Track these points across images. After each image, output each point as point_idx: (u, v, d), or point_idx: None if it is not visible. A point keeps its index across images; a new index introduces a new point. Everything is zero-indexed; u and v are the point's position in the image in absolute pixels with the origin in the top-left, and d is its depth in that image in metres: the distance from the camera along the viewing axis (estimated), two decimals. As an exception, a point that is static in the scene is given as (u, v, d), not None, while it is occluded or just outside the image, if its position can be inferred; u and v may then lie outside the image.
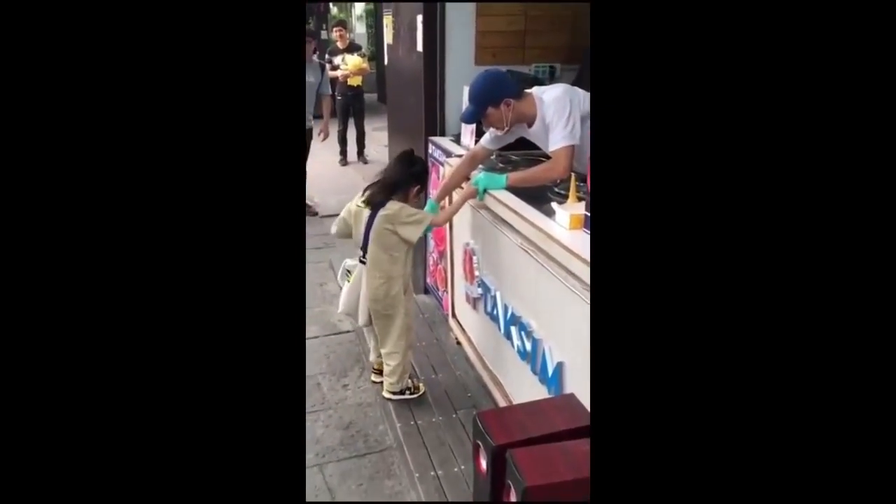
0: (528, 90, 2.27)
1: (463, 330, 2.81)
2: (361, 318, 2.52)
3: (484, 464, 1.54)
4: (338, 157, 6.71)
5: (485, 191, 2.25)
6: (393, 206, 2.28)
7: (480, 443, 1.56)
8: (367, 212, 2.33)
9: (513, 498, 1.43)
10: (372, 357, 2.69)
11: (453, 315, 2.92)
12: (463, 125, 2.86)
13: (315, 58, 4.80)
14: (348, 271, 2.54)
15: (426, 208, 2.47)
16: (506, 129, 2.25)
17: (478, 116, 2.26)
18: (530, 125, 2.25)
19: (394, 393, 2.57)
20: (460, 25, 2.98)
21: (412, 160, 2.39)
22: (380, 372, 2.64)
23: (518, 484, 1.39)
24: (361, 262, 2.42)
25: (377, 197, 2.31)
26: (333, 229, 2.51)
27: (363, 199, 2.35)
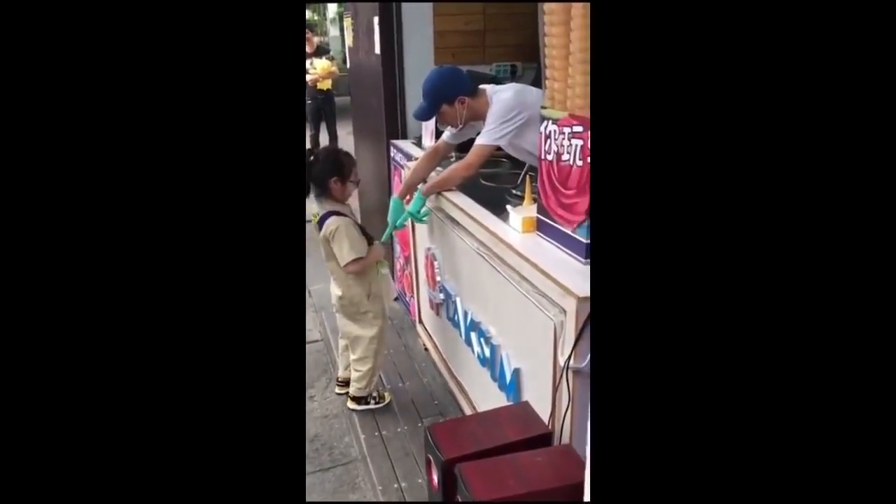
0: (482, 86, 2.23)
1: (430, 336, 2.76)
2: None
3: (435, 478, 1.50)
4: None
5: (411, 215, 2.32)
6: (331, 226, 2.24)
7: (431, 457, 1.51)
8: (314, 224, 2.32)
9: (463, 513, 1.39)
10: (340, 372, 2.66)
11: (420, 321, 2.87)
12: (423, 126, 2.82)
13: None
14: None
15: (390, 206, 2.44)
16: (460, 126, 2.22)
17: (432, 113, 2.22)
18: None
19: (358, 401, 2.51)
20: (418, 26, 2.94)
21: (327, 153, 2.33)
22: (345, 383, 2.59)
23: (467, 499, 1.34)
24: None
25: (321, 209, 2.29)
26: None
27: (315, 212, 2.33)
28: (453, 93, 2.15)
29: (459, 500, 1.39)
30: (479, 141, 2.12)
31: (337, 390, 2.66)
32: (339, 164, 2.26)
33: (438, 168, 2.42)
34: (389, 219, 2.46)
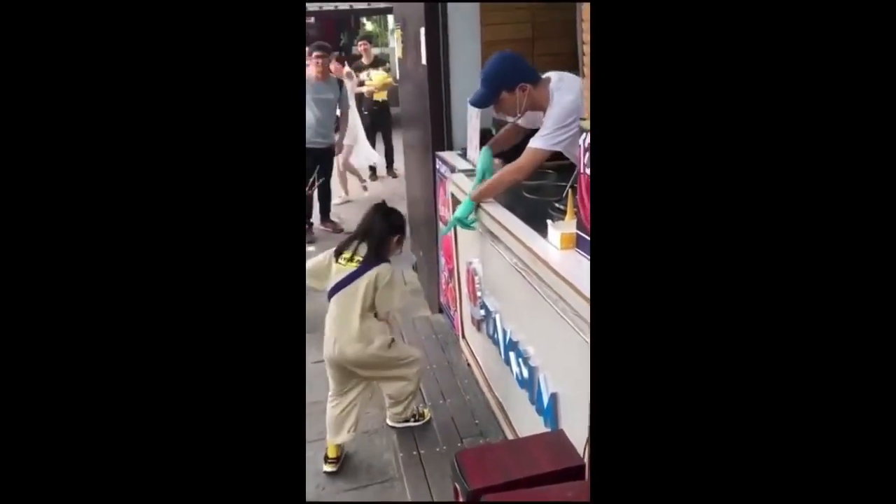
0: (545, 75, 2.09)
1: (472, 352, 2.69)
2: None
3: (463, 509, 1.43)
4: (367, 173, 6.69)
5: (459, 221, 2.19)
6: (384, 273, 2.18)
7: (458, 485, 1.44)
8: (348, 269, 2.21)
9: (489, 549, 1.31)
10: (329, 437, 2.35)
11: (463, 336, 2.81)
12: (469, 139, 2.76)
13: (332, 76, 4.78)
14: None
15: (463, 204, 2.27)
16: (518, 115, 2.08)
17: (490, 100, 2.07)
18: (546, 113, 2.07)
19: (398, 421, 2.46)
20: (465, 36, 2.89)
21: (388, 211, 2.29)
22: (329, 460, 2.35)
23: (492, 535, 1.27)
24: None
25: (370, 257, 2.20)
26: None
27: (348, 256, 2.22)
28: (515, 79, 2.00)
29: (485, 534, 1.31)
30: (533, 144, 1.98)
31: (326, 468, 2.32)
32: (401, 223, 2.30)
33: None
34: (454, 218, 2.30)
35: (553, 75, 2.06)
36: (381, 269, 2.18)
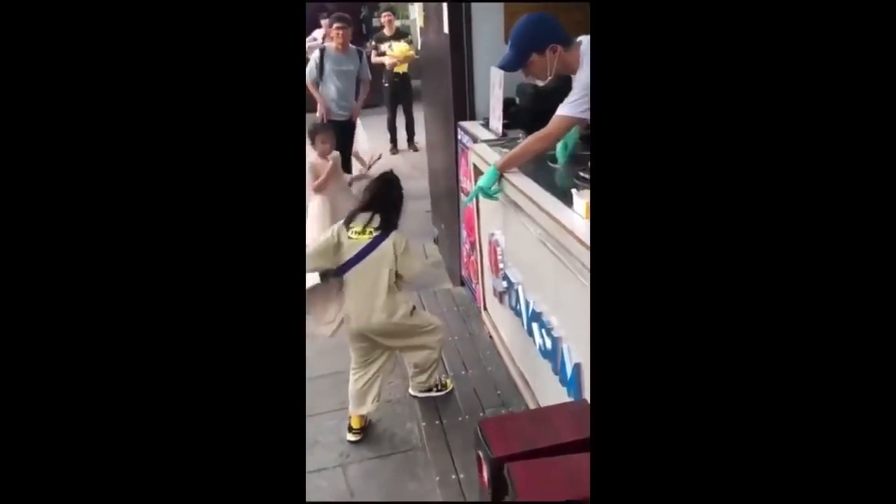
0: (578, 38, 2.00)
1: (494, 325, 2.69)
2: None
3: (485, 476, 1.43)
4: (388, 146, 6.67)
5: (481, 191, 2.14)
6: (399, 240, 2.19)
7: (481, 453, 1.45)
8: (361, 241, 2.19)
9: (512, 516, 1.32)
10: (351, 408, 2.38)
11: (485, 308, 2.80)
12: (491, 109, 2.72)
13: (353, 46, 4.72)
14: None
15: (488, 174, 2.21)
16: (549, 78, 2.00)
17: (520, 63, 2.00)
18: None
19: (421, 391, 2.48)
20: (488, 5, 2.83)
21: (394, 180, 2.30)
22: (353, 430, 2.39)
23: (514, 501, 1.27)
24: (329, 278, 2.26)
25: (384, 227, 2.20)
26: (308, 261, 2.22)
27: (359, 229, 2.20)
28: (545, 40, 1.93)
29: (507, 500, 1.32)
30: (560, 111, 1.93)
31: (350, 437, 2.37)
32: (400, 196, 2.29)
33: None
34: (477, 186, 2.24)
35: (585, 39, 1.98)
36: (396, 238, 2.19)
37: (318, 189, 3.36)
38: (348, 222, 2.23)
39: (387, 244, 2.17)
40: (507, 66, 2.07)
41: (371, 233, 2.19)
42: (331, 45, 4.52)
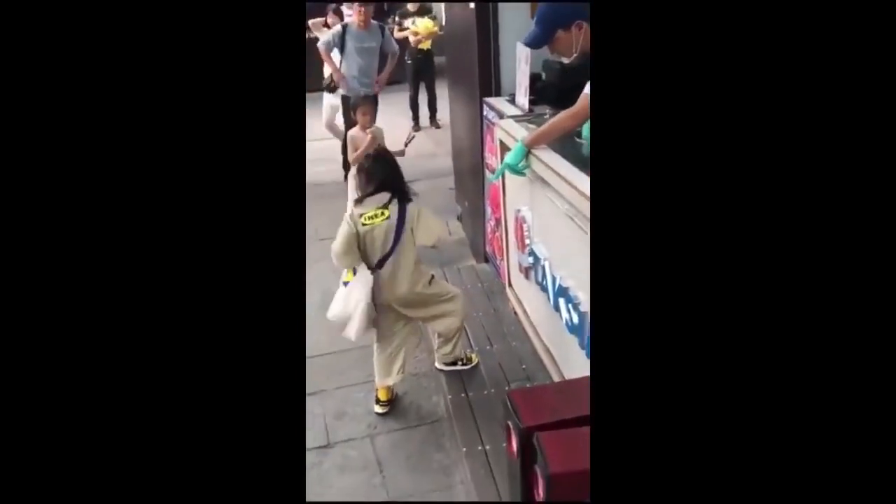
0: None
1: (518, 300, 2.71)
2: (355, 332, 2.33)
3: (514, 445, 1.47)
4: (410, 123, 6.66)
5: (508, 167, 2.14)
6: (414, 209, 2.22)
7: (510, 423, 1.48)
8: (376, 224, 2.18)
9: (540, 483, 1.35)
10: (378, 380, 2.43)
11: (510, 285, 2.82)
12: (518, 84, 2.71)
13: (375, 22, 4.71)
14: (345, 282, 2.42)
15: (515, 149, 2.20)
16: (574, 55, 1.99)
17: (545, 39, 1.99)
18: None
19: (447, 364, 2.51)
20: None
21: (387, 152, 2.33)
22: (380, 402, 2.45)
23: (544, 470, 1.30)
24: (378, 267, 2.25)
25: (401, 201, 2.21)
26: (337, 260, 2.27)
27: (372, 213, 2.19)
28: (571, 15, 1.91)
29: (537, 470, 1.35)
30: (588, 90, 1.92)
31: (378, 409, 2.44)
32: (396, 164, 2.29)
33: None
34: (505, 162, 2.23)
35: None
36: (411, 210, 2.21)
37: (357, 161, 3.39)
38: (360, 210, 2.20)
39: (408, 218, 2.20)
40: (533, 43, 2.06)
41: (383, 214, 2.17)
42: (352, 22, 4.52)
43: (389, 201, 2.20)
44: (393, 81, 7.74)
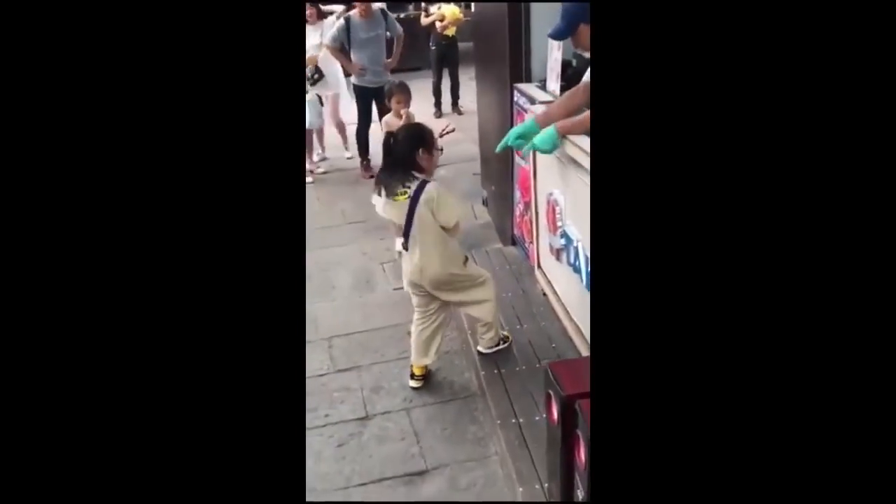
0: None
1: (548, 281, 2.79)
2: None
3: (555, 412, 1.56)
4: (432, 109, 6.72)
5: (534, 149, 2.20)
6: (432, 193, 2.22)
7: (552, 392, 1.57)
8: (403, 202, 2.24)
9: (582, 447, 1.44)
10: (414, 358, 2.53)
11: (539, 266, 2.90)
12: (549, 70, 2.77)
13: (376, 8, 4.77)
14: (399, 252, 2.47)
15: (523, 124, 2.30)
16: None
17: (569, 32, 2.12)
18: None
19: (490, 346, 2.56)
20: (545, -32, 2.86)
21: (399, 133, 2.30)
22: (415, 377, 2.55)
23: (586, 433, 1.39)
24: (404, 248, 2.34)
25: (397, 186, 2.24)
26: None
27: (398, 192, 2.25)
28: None
29: (579, 434, 1.44)
30: None
31: (412, 384, 2.54)
32: (421, 136, 2.27)
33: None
34: (512, 132, 2.32)
35: None
36: (429, 192, 2.22)
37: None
38: (390, 190, 2.26)
39: (424, 200, 2.21)
40: (557, 36, 2.21)
41: (404, 193, 2.23)
42: (354, 12, 4.57)
43: (407, 179, 2.24)
44: (415, 67, 7.81)
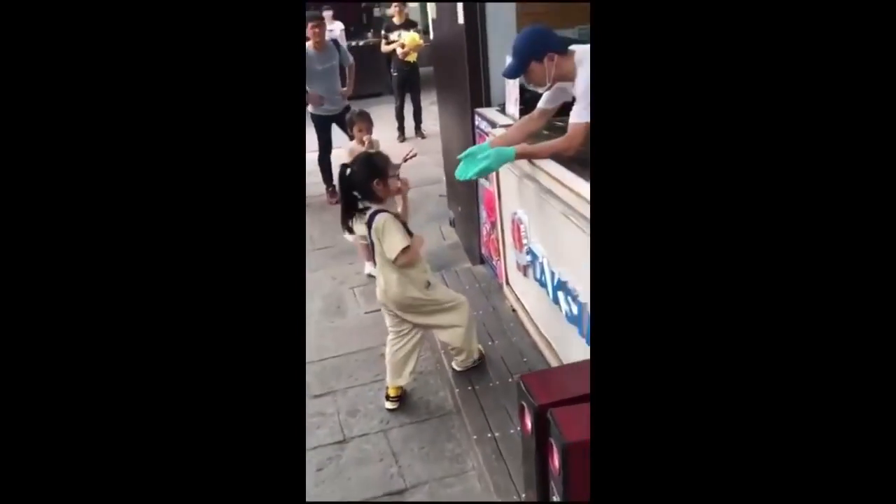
0: (572, 47, 2.22)
1: (517, 297, 2.86)
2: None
3: (529, 423, 1.61)
4: (395, 134, 6.81)
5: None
6: (379, 222, 2.28)
7: (525, 403, 1.62)
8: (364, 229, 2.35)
9: (556, 454, 1.50)
10: (389, 379, 2.55)
11: (507, 283, 2.97)
12: (506, 94, 2.88)
13: (328, 40, 4.85)
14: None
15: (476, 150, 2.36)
16: (548, 85, 2.23)
17: (520, 71, 2.23)
18: (574, 84, 2.21)
19: (465, 367, 2.60)
20: (501, -3, 2.98)
21: (353, 165, 2.35)
22: (390, 398, 2.58)
23: (559, 441, 1.45)
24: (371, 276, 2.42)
25: (348, 218, 2.36)
26: None
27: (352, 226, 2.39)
28: (543, 49, 2.15)
29: (552, 442, 1.50)
30: (573, 120, 2.13)
31: (388, 405, 2.56)
32: (374, 167, 2.30)
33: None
34: (466, 154, 2.36)
35: (577, 48, 2.21)
36: (376, 222, 2.27)
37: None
38: (344, 225, 2.39)
39: (374, 227, 2.28)
40: (510, 74, 2.32)
41: (365, 218, 2.32)
42: (308, 45, 4.63)
43: (360, 208, 2.32)
44: (376, 93, 7.90)
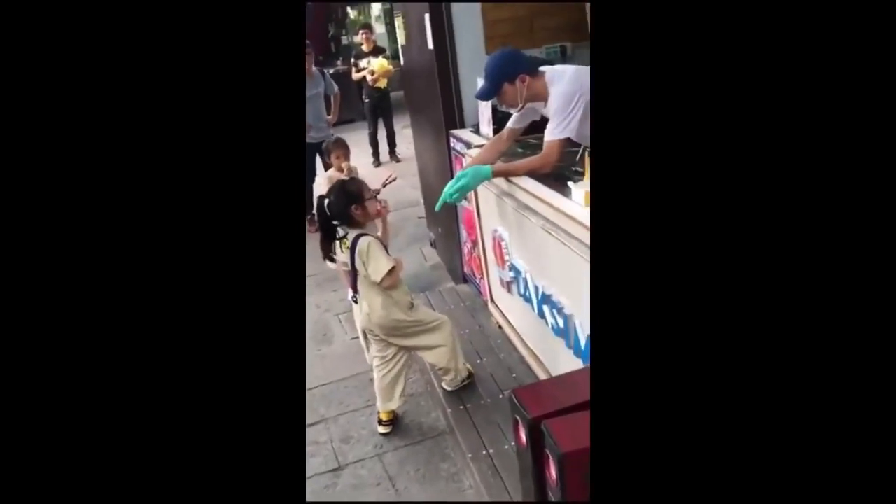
0: (543, 68, 2.30)
1: (502, 314, 2.89)
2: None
3: (523, 436, 1.63)
4: (371, 159, 6.85)
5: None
6: (363, 245, 2.30)
7: (518, 417, 1.64)
8: (346, 253, 2.34)
9: (552, 465, 1.52)
10: (379, 404, 2.56)
11: (492, 300, 3.00)
12: (480, 114, 2.94)
13: (315, 68, 4.94)
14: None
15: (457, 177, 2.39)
16: (521, 106, 2.29)
17: (493, 93, 2.28)
18: (546, 103, 2.29)
19: (455, 386, 2.61)
20: (467, 18, 3.05)
21: (330, 194, 2.37)
22: (383, 422, 2.58)
23: (554, 451, 1.47)
24: (354, 301, 2.44)
25: (328, 246, 2.37)
26: None
27: (334, 253, 2.38)
28: (514, 71, 2.21)
29: (548, 453, 1.52)
30: (547, 138, 2.19)
31: (381, 430, 2.56)
32: (350, 193, 2.32)
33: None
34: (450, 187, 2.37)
35: (546, 69, 2.29)
36: (360, 245, 2.29)
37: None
38: (325, 254, 2.39)
39: (358, 250, 2.30)
40: (483, 96, 2.39)
41: (345, 243, 2.34)
42: None
43: (340, 232, 2.34)
44: (349, 120, 7.97)
